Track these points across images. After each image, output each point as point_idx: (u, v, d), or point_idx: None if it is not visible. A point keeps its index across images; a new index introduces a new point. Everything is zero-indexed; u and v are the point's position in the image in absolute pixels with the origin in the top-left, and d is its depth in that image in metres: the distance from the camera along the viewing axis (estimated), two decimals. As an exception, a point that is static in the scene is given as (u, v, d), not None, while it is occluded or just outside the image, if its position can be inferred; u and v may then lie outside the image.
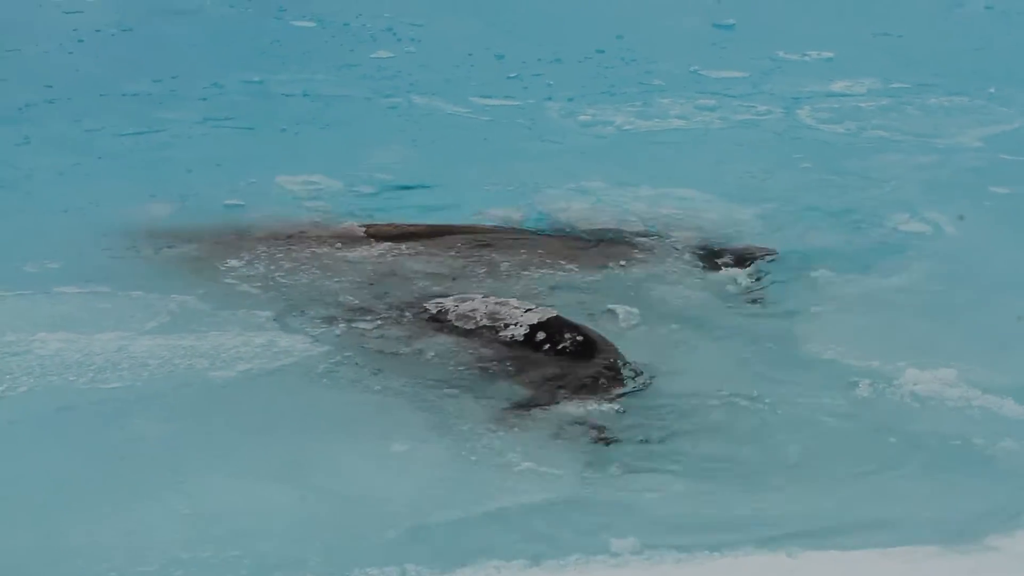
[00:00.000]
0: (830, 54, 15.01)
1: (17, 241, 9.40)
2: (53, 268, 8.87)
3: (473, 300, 8.37)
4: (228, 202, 10.21)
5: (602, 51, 14.92)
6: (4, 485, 6.55)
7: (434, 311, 8.34)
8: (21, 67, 14.28)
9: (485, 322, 8.16)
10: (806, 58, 14.98)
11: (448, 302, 8.39)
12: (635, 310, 8.57)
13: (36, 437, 7.02)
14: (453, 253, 9.31)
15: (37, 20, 16.24)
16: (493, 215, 10.16)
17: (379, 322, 8.28)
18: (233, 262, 9.00)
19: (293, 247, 9.28)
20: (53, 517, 6.34)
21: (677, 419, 7.35)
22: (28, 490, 6.54)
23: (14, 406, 7.19)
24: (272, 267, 8.97)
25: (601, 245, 9.59)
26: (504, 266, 9.14)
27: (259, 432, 7.19)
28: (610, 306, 8.63)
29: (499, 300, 8.39)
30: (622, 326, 8.42)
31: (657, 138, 12.28)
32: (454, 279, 8.90)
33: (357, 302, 8.54)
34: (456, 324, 8.19)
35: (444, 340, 8.06)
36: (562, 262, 9.26)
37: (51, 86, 13.40)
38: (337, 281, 8.82)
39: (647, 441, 7.16)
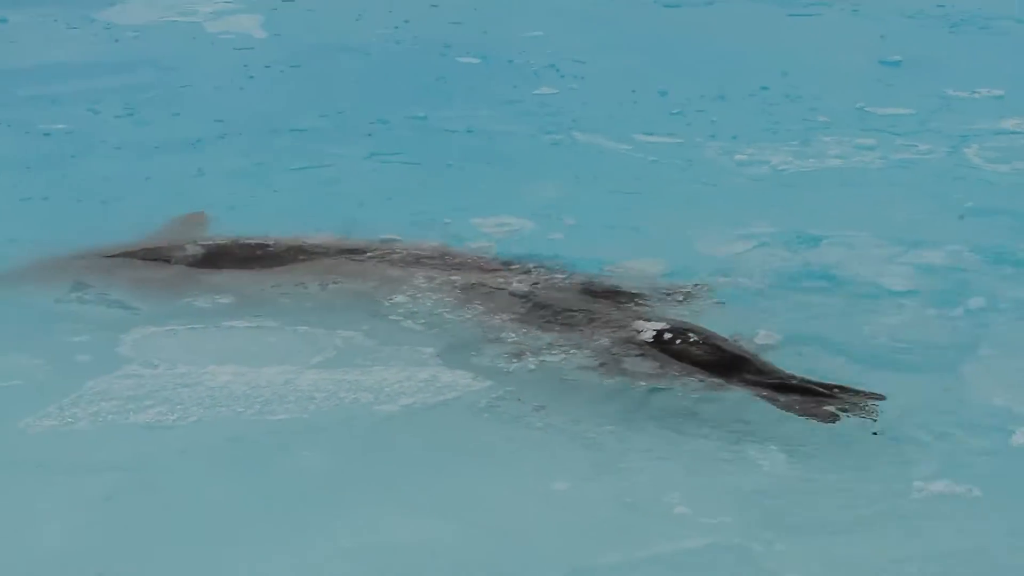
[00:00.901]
0: (1000, 92, 14.72)
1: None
2: (224, 303, 9.08)
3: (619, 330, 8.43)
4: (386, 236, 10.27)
5: (767, 88, 14.82)
6: (175, 514, 6.73)
7: (594, 345, 8.37)
8: (194, 102, 14.62)
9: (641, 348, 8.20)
10: (975, 95, 14.71)
11: (602, 336, 8.43)
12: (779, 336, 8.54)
13: (206, 467, 7.18)
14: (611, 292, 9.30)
15: (209, 57, 16.64)
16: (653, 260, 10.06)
17: (543, 357, 8.31)
18: (399, 298, 9.08)
19: (456, 281, 9.33)
20: (220, 548, 6.48)
21: (838, 461, 7.25)
22: (196, 520, 6.70)
23: (186, 436, 7.37)
24: (436, 302, 9.04)
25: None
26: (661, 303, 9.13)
27: (421, 466, 7.27)
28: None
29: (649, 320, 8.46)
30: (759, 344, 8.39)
31: (815, 178, 12.11)
32: (613, 318, 8.88)
33: (520, 338, 8.57)
34: (615, 355, 8.22)
35: (610, 373, 8.07)
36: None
37: (222, 121, 13.71)
38: (501, 316, 8.86)
39: (809, 481, 7.09)
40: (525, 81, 15.30)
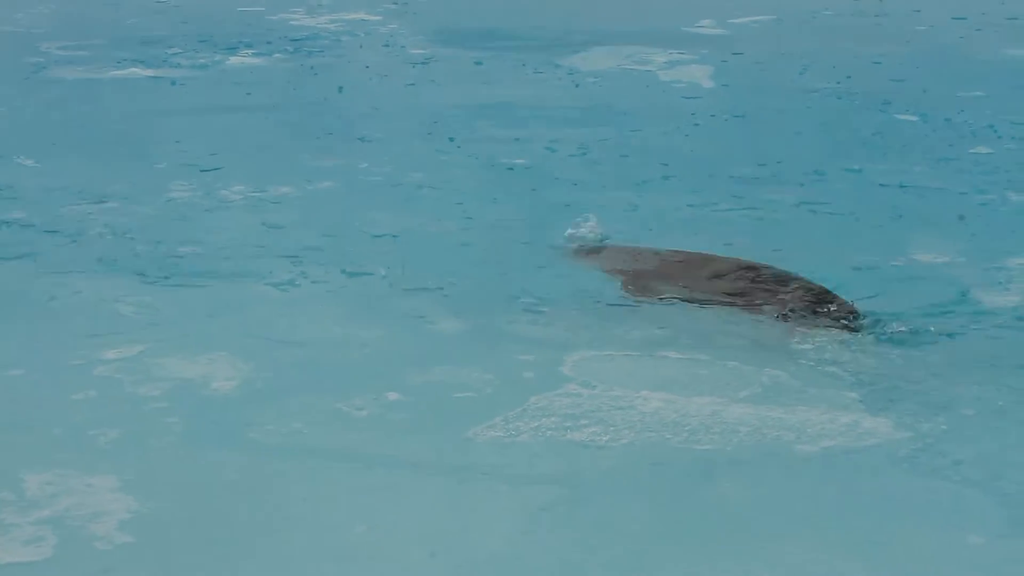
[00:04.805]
0: None
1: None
2: (658, 333, 9.09)
3: None
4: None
5: None
6: (601, 530, 6.73)
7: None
8: (642, 146, 14.79)
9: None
10: None
11: None
12: None
13: (633, 488, 7.16)
14: None
15: (660, 104, 16.81)
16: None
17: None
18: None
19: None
20: (637, 569, 6.45)
21: None
22: (620, 538, 6.68)
23: (616, 456, 7.37)
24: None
25: None
26: None
27: (836, 507, 7.04)
28: None
29: None
30: None
31: None
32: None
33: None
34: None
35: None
36: None
37: (667, 164, 13.80)
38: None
39: None
40: (962, 139, 14.75)
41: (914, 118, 15.78)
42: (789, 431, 7.68)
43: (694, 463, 7.35)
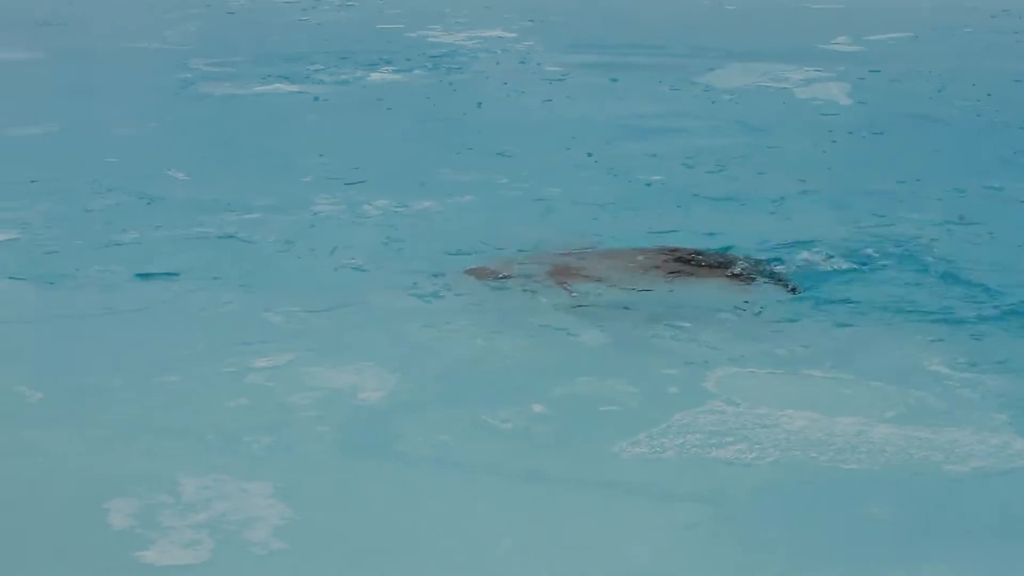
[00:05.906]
0: None
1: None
2: (801, 351, 8.94)
3: None
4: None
5: None
6: (748, 550, 6.63)
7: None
8: (779, 162, 14.65)
9: None
10: None
11: None
12: None
13: (780, 507, 7.03)
14: None
15: (796, 120, 16.66)
16: None
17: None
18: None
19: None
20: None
21: None
22: (767, 558, 6.58)
23: (762, 475, 7.27)
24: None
25: None
26: None
27: (991, 531, 6.85)
28: None
29: None
30: None
31: None
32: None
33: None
34: None
35: None
36: None
37: (804, 180, 13.62)
38: None
39: None
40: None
41: (1057, 136, 15.47)
42: (938, 451, 7.50)
43: (842, 483, 7.22)
